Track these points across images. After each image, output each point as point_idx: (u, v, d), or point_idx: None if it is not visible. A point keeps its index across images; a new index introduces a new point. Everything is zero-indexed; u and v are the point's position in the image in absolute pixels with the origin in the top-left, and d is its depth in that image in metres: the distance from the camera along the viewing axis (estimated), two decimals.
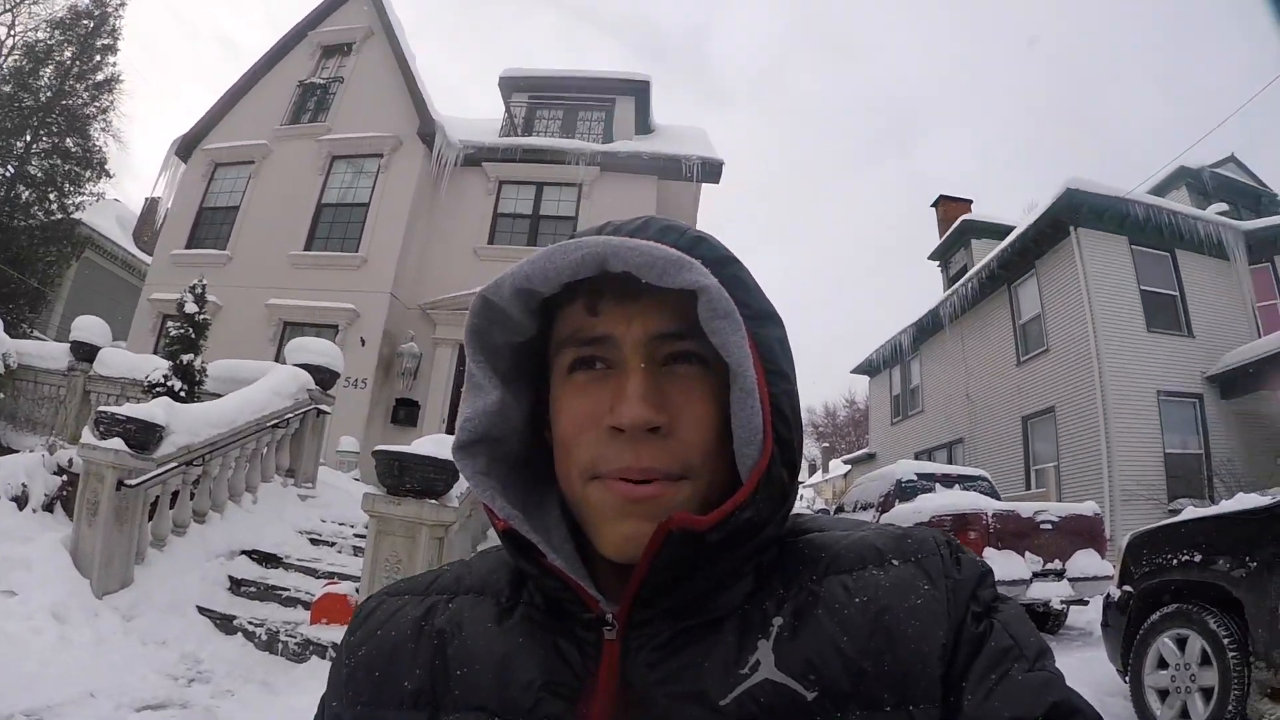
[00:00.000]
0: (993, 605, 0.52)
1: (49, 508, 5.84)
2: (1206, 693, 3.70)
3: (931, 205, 21.02)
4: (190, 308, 7.34)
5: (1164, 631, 4.02)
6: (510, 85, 15.16)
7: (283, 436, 7.30)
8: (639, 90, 14.97)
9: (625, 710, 0.49)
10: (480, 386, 0.56)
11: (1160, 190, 15.33)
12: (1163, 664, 3.99)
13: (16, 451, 6.95)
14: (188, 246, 13.56)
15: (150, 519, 5.48)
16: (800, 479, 0.57)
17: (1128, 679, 4.21)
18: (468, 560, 0.64)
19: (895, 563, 0.53)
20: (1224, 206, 15.00)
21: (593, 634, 0.52)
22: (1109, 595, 4.61)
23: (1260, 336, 12.81)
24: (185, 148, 14.44)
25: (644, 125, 15.03)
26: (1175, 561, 4.04)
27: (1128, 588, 4.37)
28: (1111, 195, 13.05)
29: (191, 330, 7.31)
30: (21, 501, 5.83)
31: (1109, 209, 13.03)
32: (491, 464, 0.56)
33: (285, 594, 5.56)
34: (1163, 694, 3.96)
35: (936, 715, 0.47)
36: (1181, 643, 3.90)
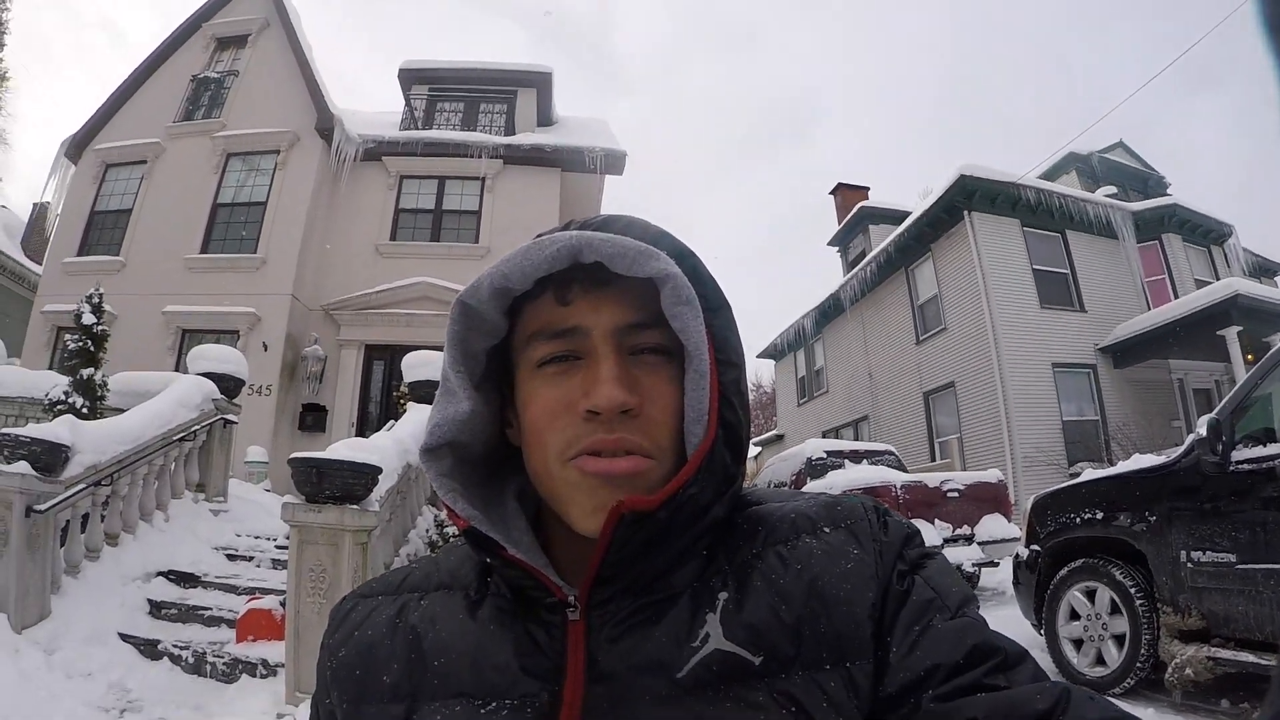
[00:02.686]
0: (919, 562, 0.55)
1: None
2: (1119, 639, 3.98)
3: (830, 193, 21.41)
4: (88, 319, 6.86)
5: (1073, 585, 4.27)
6: (410, 77, 14.71)
7: (190, 450, 6.94)
8: (541, 82, 14.77)
9: (594, 684, 0.51)
10: (453, 394, 0.57)
11: (1051, 175, 16.23)
12: (1074, 615, 4.25)
13: None
14: (80, 253, 12.62)
15: (62, 545, 5.15)
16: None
17: (1043, 632, 4.44)
18: (435, 557, 0.66)
19: (827, 530, 0.56)
20: (1112, 189, 15.85)
21: (557, 616, 0.54)
22: (1018, 555, 4.83)
23: (1149, 309, 13.67)
24: (75, 148, 13.42)
25: (546, 117, 14.86)
26: (1079, 520, 4.30)
27: (1035, 547, 4.60)
28: (1004, 180, 13.63)
29: (90, 343, 6.84)
30: None
31: (1001, 193, 13.61)
32: (455, 465, 0.58)
33: (208, 613, 5.35)
34: (1077, 643, 4.23)
35: (870, 670, 0.50)
36: (1091, 594, 4.17)
